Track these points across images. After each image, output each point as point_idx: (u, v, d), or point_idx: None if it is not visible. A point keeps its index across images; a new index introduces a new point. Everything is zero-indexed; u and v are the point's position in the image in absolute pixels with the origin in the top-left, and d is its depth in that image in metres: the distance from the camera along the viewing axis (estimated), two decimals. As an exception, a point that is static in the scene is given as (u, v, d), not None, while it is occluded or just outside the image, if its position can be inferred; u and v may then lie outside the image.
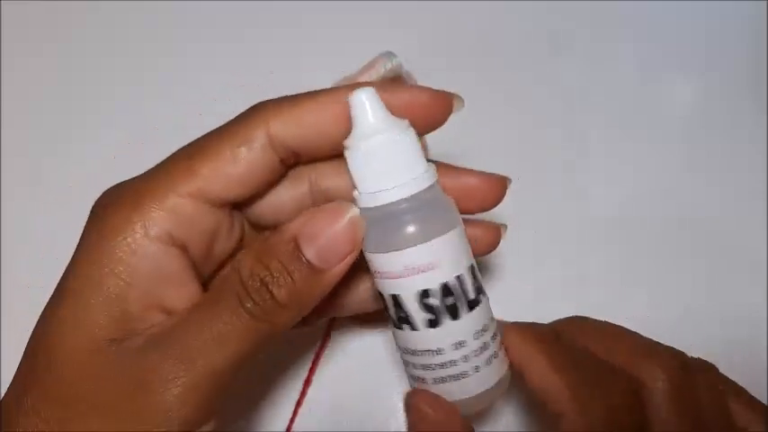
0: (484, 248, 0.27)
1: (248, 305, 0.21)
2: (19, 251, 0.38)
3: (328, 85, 0.38)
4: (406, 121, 0.23)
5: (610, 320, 0.34)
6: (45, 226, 0.37)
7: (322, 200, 0.26)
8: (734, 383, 0.28)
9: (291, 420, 0.35)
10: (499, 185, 0.27)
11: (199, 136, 0.24)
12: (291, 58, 0.42)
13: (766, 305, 0.37)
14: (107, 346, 0.21)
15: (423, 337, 0.24)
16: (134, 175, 0.24)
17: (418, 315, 0.23)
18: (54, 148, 0.40)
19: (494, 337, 0.25)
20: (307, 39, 0.43)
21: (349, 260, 0.22)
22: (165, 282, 0.22)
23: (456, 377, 0.24)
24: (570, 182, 0.40)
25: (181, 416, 0.21)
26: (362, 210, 0.23)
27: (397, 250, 0.23)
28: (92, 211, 0.23)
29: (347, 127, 0.23)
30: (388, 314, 0.24)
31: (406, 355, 0.25)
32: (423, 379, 0.25)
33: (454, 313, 0.23)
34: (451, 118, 0.40)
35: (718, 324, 0.37)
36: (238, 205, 0.25)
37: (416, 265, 0.23)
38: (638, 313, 0.37)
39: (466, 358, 0.24)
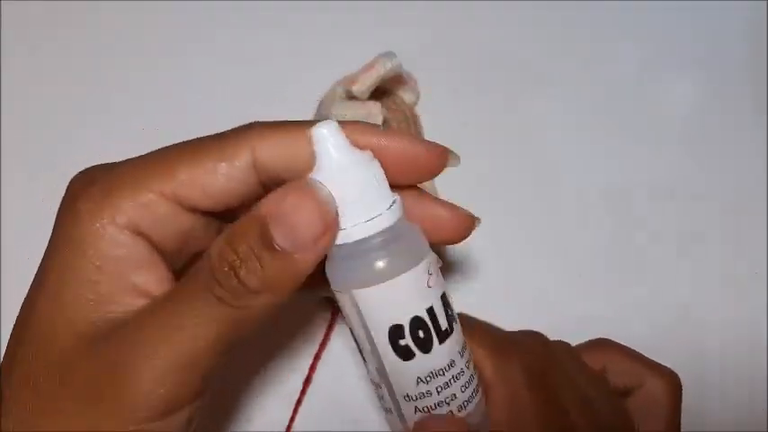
0: (449, 235, 0.26)
1: (217, 291, 0.21)
2: (19, 251, 0.38)
3: (328, 86, 0.39)
4: (370, 154, 0.22)
5: (611, 321, 0.34)
6: (45, 226, 0.37)
7: None
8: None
9: (291, 420, 0.35)
10: (468, 222, 0.26)
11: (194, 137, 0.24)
12: (291, 59, 0.42)
13: (766, 306, 0.37)
14: (84, 329, 0.22)
15: (411, 367, 0.23)
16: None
17: (389, 348, 0.23)
18: (54, 147, 0.40)
19: (448, 385, 0.24)
20: (307, 39, 0.43)
21: (324, 244, 0.21)
22: (134, 266, 0.22)
23: (433, 407, 0.24)
24: (570, 182, 0.40)
25: (149, 402, 0.21)
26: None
27: (343, 292, 0.22)
28: (66, 192, 0.23)
29: None
30: (365, 348, 0.24)
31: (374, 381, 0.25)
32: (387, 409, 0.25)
33: (406, 356, 0.23)
34: (451, 117, 0.41)
35: (718, 324, 0.37)
36: (213, 213, 0.25)
37: (360, 307, 0.22)
38: (638, 313, 0.37)
39: (439, 389, 0.23)
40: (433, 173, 0.24)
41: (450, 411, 0.24)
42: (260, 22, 0.43)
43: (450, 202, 0.25)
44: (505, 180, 0.40)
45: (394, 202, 0.23)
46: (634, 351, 0.30)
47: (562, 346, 0.31)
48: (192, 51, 0.43)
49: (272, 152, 0.23)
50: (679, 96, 0.42)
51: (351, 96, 0.37)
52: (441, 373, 0.23)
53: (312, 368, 0.35)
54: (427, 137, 0.40)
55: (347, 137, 0.22)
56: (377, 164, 0.22)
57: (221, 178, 0.23)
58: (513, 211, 0.39)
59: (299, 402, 0.35)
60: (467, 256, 0.38)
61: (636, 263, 0.38)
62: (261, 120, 0.24)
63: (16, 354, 0.22)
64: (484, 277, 0.38)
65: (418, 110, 0.41)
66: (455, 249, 0.38)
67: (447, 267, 0.38)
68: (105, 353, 0.21)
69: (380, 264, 0.22)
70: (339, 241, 0.22)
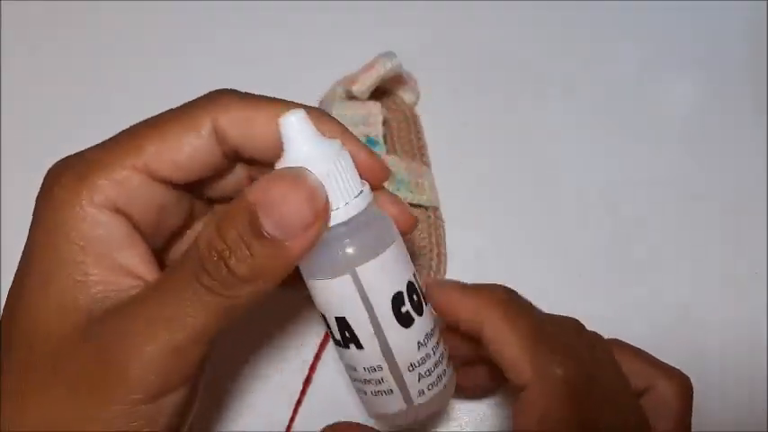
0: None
1: (205, 279, 0.21)
2: (19, 252, 0.38)
3: (328, 86, 0.39)
4: (338, 143, 0.23)
5: (611, 321, 0.34)
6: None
7: None
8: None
9: (291, 420, 0.35)
10: (413, 220, 0.26)
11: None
12: (291, 58, 0.42)
13: (766, 306, 0.37)
14: (74, 314, 0.22)
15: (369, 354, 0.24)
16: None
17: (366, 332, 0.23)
18: (54, 147, 0.39)
19: (438, 344, 0.25)
20: (307, 39, 0.43)
21: (314, 232, 0.21)
22: (117, 245, 0.23)
23: (433, 368, 0.25)
24: (570, 182, 0.40)
25: (142, 385, 0.21)
26: None
27: (341, 274, 0.23)
28: (43, 182, 0.24)
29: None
30: (333, 336, 0.24)
31: (352, 373, 0.25)
32: (363, 392, 0.25)
33: (407, 322, 0.24)
34: (451, 117, 0.41)
35: (718, 324, 0.37)
36: (186, 186, 0.25)
37: (363, 284, 0.23)
38: (639, 314, 0.37)
39: (434, 349, 0.25)
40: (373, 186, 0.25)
41: (444, 370, 0.25)
42: (260, 22, 0.43)
43: (398, 199, 0.26)
44: (505, 180, 0.40)
45: (364, 183, 0.23)
46: (644, 352, 0.29)
47: (604, 347, 0.28)
48: (192, 51, 0.43)
49: (233, 124, 0.23)
50: (679, 96, 0.42)
51: (351, 96, 0.37)
52: (432, 332, 0.25)
53: (312, 368, 0.35)
54: (427, 137, 0.40)
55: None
56: (346, 153, 0.23)
57: (187, 148, 0.23)
58: (512, 211, 0.39)
59: (299, 402, 0.35)
60: (467, 256, 0.38)
61: (636, 263, 0.38)
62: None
63: (6, 342, 0.22)
64: (483, 277, 0.38)
65: (418, 110, 0.41)
66: (455, 250, 0.38)
67: (446, 267, 0.38)
68: (97, 340, 0.21)
69: (378, 235, 0.23)
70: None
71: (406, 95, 0.40)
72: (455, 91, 0.42)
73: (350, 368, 0.25)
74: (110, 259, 0.22)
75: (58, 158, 0.25)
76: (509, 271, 0.38)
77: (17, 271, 0.23)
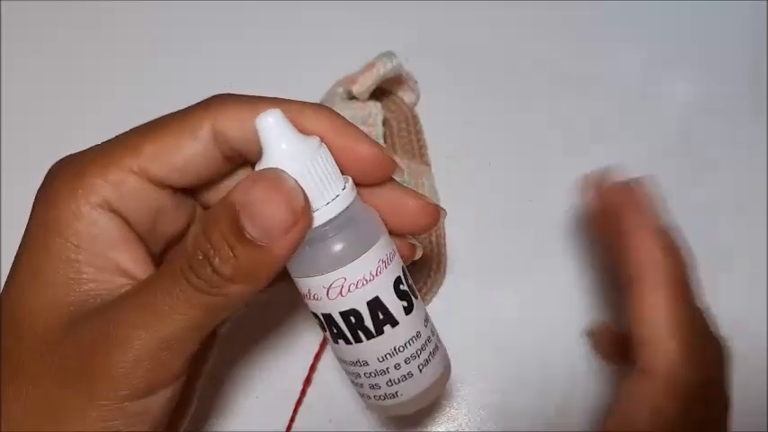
0: (415, 225, 0.26)
1: (192, 278, 0.21)
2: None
3: (328, 86, 0.39)
4: (317, 140, 0.22)
5: (611, 322, 0.34)
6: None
7: None
8: None
9: (291, 420, 0.35)
10: (434, 212, 0.26)
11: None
12: (291, 58, 0.42)
13: (766, 306, 0.37)
14: (64, 309, 0.22)
15: (368, 347, 0.24)
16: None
17: (366, 324, 0.23)
18: (54, 148, 0.39)
19: (432, 335, 0.25)
20: (307, 39, 0.43)
21: (296, 234, 0.21)
22: (111, 244, 0.23)
23: (404, 378, 0.24)
24: (569, 182, 0.40)
25: (129, 381, 0.21)
26: None
27: (332, 270, 0.23)
28: (43, 179, 0.24)
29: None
30: (330, 333, 0.24)
31: (352, 367, 0.25)
32: (374, 385, 0.25)
33: (392, 320, 0.24)
34: (451, 117, 0.41)
35: (718, 324, 0.37)
36: (185, 190, 0.25)
37: (356, 279, 0.23)
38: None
39: (409, 359, 0.24)
40: (378, 179, 0.25)
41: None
42: (260, 22, 0.43)
43: (417, 192, 0.26)
44: (506, 180, 0.40)
45: (347, 179, 0.23)
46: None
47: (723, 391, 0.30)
48: (192, 51, 0.43)
49: (233, 126, 0.23)
50: (679, 96, 0.42)
51: (351, 96, 0.37)
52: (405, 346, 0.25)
53: (312, 368, 0.35)
54: (428, 137, 0.40)
55: (295, 121, 0.22)
56: (324, 150, 0.22)
57: (184, 151, 0.23)
58: (513, 211, 0.39)
59: (299, 402, 0.35)
60: (467, 256, 0.38)
61: (636, 263, 0.38)
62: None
63: None
64: (484, 277, 0.38)
65: (418, 110, 0.41)
66: (456, 249, 0.38)
67: (447, 267, 0.38)
68: (85, 334, 0.21)
69: (366, 231, 0.23)
70: None
71: (406, 95, 0.40)
72: (455, 91, 0.42)
73: (381, 357, 0.24)
74: (103, 258, 0.23)
75: (58, 158, 0.25)
76: (510, 271, 0.38)
77: (12, 265, 0.23)
